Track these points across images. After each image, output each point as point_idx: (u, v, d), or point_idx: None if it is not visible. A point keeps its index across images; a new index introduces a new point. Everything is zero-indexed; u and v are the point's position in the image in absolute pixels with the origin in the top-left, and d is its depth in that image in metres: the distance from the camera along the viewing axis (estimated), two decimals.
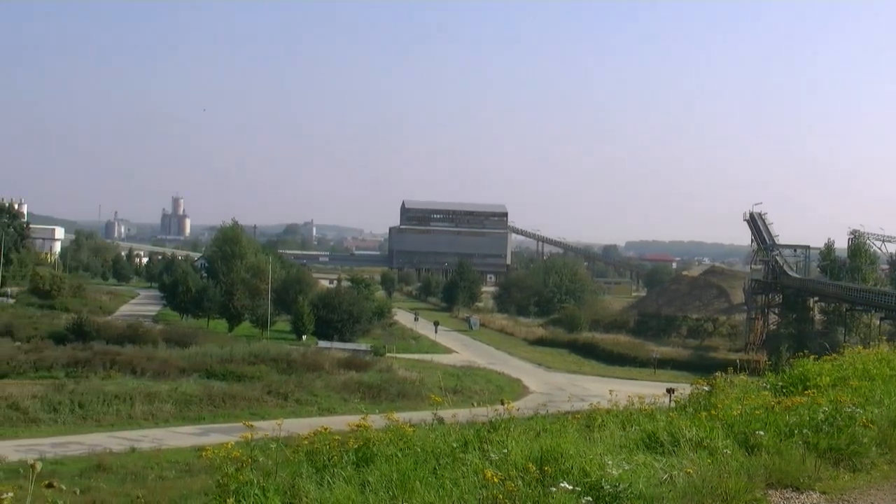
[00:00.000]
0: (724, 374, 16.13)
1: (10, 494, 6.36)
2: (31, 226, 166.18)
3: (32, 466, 6.83)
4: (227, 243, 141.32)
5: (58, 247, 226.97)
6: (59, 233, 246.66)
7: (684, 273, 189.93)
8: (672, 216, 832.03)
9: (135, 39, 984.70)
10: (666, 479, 9.01)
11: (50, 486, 6.83)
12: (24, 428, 54.24)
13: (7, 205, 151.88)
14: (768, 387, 15.73)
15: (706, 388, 15.02)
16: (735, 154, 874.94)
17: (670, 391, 15.79)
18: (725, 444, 10.55)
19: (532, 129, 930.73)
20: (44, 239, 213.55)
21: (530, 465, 8.70)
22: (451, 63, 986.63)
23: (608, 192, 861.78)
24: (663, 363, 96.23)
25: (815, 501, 9.73)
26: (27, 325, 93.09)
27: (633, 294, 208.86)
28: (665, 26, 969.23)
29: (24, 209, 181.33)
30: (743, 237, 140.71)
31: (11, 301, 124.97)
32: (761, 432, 11.17)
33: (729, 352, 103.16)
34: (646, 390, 17.70)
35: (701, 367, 75.85)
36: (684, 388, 16.54)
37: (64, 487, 6.92)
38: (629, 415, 13.23)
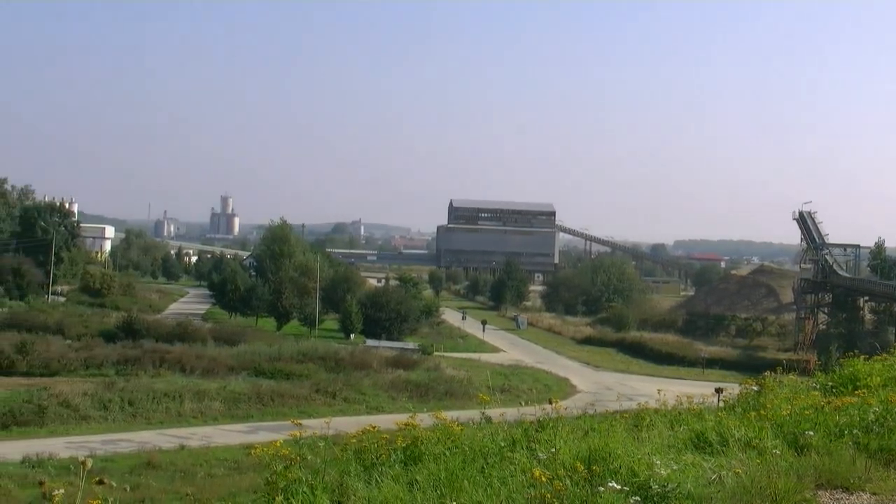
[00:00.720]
0: (773, 374, 16.04)
1: (62, 491, 6.43)
2: (81, 225, 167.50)
3: (83, 463, 6.90)
4: (276, 242, 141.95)
5: (108, 246, 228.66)
6: (110, 232, 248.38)
7: (733, 272, 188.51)
8: (720, 215, 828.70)
9: (184, 41, 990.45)
10: (714, 480, 8.97)
11: (100, 483, 6.91)
12: (74, 425, 54.62)
13: (58, 204, 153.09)
14: (818, 387, 15.63)
15: (755, 388, 14.93)
16: (783, 153, 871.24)
17: (719, 391, 15.69)
18: (775, 444, 10.49)
19: (577, 129, 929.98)
20: (94, 238, 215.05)
21: (578, 464, 8.69)
22: (508, 62, 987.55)
23: (655, 190, 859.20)
24: (712, 363, 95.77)
25: (865, 502, 9.65)
26: (78, 323, 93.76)
27: (682, 293, 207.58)
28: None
29: (75, 208, 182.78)
30: (792, 236, 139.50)
31: (62, 299, 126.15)
32: (811, 432, 11.10)
33: (778, 351, 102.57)
34: (694, 390, 17.62)
35: (750, 366, 75.33)
36: (733, 388, 16.44)
37: (114, 484, 7.00)
38: (677, 414, 13.18)
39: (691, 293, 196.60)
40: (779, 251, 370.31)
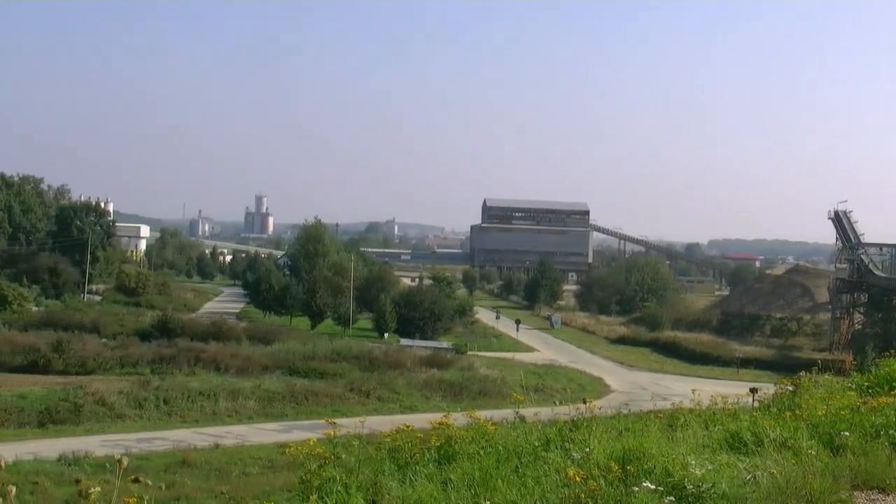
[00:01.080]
0: (808, 374, 15.96)
1: (98, 489, 6.46)
2: (117, 224, 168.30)
3: (119, 462, 6.94)
4: (310, 241, 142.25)
5: (143, 245, 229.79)
6: (145, 231, 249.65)
7: (768, 272, 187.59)
8: (755, 214, 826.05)
9: (227, 39, 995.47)
10: (749, 480, 8.94)
11: (136, 481, 6.93)
12: (110, 423, 54.85)
13: (94, 203, 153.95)
14: (854, 387, 15.55)
15: (790, 388, 14.87)
16: (830, 150, 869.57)
17: (753, 391, 15.60)
18: (810, 444, 10.44)
19: (613, 128, 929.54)
20: (129, 237, 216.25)
21: (612, 464, 8.67)
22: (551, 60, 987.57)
23: (691, 188, 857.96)
24: (746, 362, 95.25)
25: None
26: (113, 322, 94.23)
27: (716, 293, 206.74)
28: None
29: (111, 208, 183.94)
30: (827, 235, 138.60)
31: (98, 298, 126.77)
32: (846, 433, 11.05)
33: (813, 351, 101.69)
34: (729, 390, 17.54)
35: (785, 366, 74.90)
36: (768, 388, 16.36)
37: (150, 482, 7.02)
38: (712, 414, 13.13)
39: (726, 293, 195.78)
40: (814, 250, 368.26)
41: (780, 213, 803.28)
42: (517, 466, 8.91)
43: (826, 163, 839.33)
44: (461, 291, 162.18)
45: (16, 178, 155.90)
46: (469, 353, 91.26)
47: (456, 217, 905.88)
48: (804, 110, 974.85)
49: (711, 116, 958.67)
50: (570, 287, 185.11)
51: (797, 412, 12.05)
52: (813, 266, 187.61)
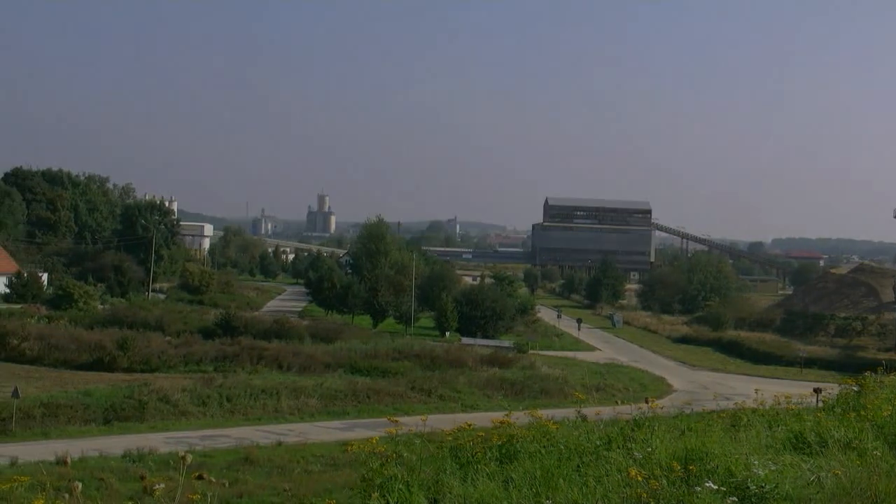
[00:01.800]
0: (873, 374, 15.82)
1: (162, 485, 6.54)
2: (181, 223, 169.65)
3: (183, 458, 7.02)
4: (372, 240, 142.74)
5: (207, 243, 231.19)
6: (208, 230, 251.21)
7: (832, 271, 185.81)
8: (819, 213, 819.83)
9: (290, 41, 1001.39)
10: (813, 481, 8.87)
11: (200, 477, 7.01)
12: (174, 421, 55.16)
13: (159, 202, 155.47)
14: None
15: (855, 389, 14.75)
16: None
17: (817, 391, 15.51)
18: (875, 445, 10.35)
19: (674, 127, 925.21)
20: (193, 236, 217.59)
21: (675, 463, 8.65)
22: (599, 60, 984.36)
23: (754, 188, 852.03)
24: (810, 362, 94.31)
25: None
26: (177, 319, 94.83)
27: (780, 292, 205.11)
28: None
29: (175, 206, 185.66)
30: (893, 234, 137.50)
31: (162, 296, 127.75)
32: None
33: (878, 352, 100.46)
34: (792, 390, 17.44)
35: (849, 366, 74.16)
36: (832, 388, 16.25)
37: (213, 479, 7.10)
38: (775, 414, 13.07)
39: (789, 292, 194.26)
40: (878, 249, 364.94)
41: (845, 212, 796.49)
42: (579, 465, 8.90)
43: (890, 161, 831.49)
44: (523, 290, 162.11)
45: (82, 178, 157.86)
46: (530, 351, 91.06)
47: (517, 216, 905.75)
48: (870, 108, 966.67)
49: (774, 116, 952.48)
50: (631, 286, 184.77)
51: (862, 413, 11.96)
52: (878, 265, 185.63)
